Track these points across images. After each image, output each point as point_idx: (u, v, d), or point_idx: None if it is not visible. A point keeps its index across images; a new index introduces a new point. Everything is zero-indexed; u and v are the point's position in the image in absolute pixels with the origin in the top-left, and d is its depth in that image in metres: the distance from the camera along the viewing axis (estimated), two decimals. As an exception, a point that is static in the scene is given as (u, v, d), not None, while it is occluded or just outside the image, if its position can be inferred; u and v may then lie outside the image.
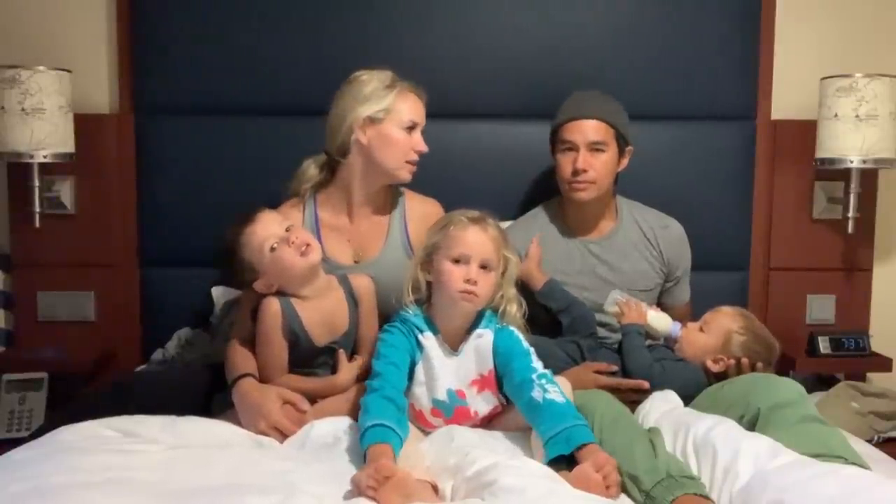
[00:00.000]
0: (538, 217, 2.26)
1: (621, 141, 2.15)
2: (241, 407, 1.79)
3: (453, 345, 1.80)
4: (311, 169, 2.09)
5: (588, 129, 2.11)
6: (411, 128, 2.01)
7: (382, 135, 1.99)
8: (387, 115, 1.98)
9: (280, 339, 1.85)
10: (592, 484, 1.46)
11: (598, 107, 2.14)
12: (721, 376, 2.00)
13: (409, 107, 2.00)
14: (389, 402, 1.64)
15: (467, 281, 1.72)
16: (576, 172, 2.10)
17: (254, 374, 1.84)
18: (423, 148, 2.02)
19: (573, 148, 2.12)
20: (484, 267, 1.74)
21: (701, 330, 2.06)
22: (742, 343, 2.02)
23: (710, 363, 2.01)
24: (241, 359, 1.87)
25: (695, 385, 1.97)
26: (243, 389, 1.80)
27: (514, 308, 1.84)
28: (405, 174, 2.03)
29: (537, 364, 1.76)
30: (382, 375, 1.70)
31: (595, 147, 2.11)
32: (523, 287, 1.99)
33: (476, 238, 1.75)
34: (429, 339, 1.78)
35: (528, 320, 1.87)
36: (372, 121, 1.98)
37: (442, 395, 1.77)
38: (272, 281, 1.86)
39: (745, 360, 2.00)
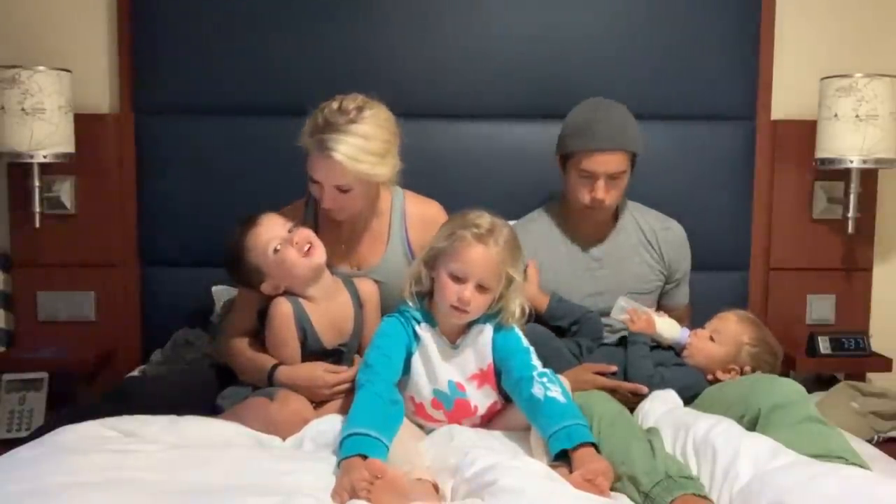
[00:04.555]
0: (539, 220, 2.24)
1: (635, 158, 2.11)
2: (295, 387, 1.84)
3: (452, 338, 1.80)
4: None
5: (610, 163, 2.03)
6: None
7: None
8: None
9: (294, 338, 1.88)
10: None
11: (621, 136, 2.04)
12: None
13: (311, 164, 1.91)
14: (376, 398, 1.64)
15: (460, 299, 1.71)
16: (594, 201, 2.06)
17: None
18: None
19: (591, 177, 2.05)
20: (480, 287, 1.72)
21: (711, 339, 2.04)
22: (753, 354, 2.02)
23: (720, 373, 2.01)
24: (259, 355, 1.91)
25: (695, 389, 1.97)
26: (285, 374, 1.87)
27: (516, 311, 1.80)
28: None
29: (537, 362, 1.75)
30: (373, 367, 1.71)
31: (614, 176, 2.05)
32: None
33: (477, 259, 1.70)
34: (426, 331, 1.78)
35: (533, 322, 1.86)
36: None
37: (443, 386, 1.77)
38: (278, 282, 1.88)
39: (747, 369, 2.01)
